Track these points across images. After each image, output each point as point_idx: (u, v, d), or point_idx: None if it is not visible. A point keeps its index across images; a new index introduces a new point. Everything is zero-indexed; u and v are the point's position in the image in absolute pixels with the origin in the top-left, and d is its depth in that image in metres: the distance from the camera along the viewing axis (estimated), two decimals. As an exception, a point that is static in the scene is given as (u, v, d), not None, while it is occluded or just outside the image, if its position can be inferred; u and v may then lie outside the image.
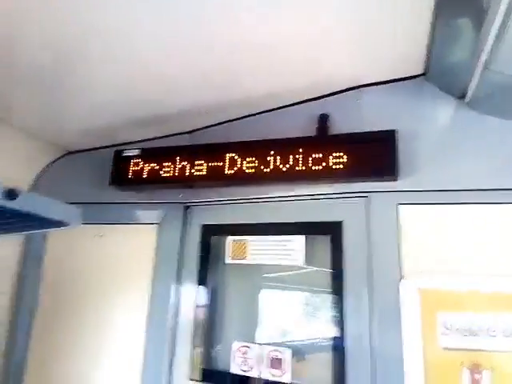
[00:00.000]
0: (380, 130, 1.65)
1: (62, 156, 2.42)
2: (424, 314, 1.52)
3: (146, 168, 2.00)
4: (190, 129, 2.17)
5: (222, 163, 1.87)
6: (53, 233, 2.10)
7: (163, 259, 2.05)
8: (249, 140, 1.87)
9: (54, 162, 2.40)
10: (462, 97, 1.62)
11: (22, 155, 2.28)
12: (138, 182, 2.02)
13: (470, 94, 1.55)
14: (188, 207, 2.10)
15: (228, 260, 1.93)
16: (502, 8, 1.10)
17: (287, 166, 1.75)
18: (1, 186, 1.15)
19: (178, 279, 1.99)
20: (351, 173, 1.67)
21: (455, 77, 1.56)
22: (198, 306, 1.95)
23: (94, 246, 2.21)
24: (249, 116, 2.03)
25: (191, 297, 1.96)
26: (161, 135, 2.23)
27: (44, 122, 2.12)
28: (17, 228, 1.60)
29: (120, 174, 2.03)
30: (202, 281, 1.97)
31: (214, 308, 1.98)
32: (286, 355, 1.72)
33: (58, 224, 1.65)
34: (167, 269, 2.02)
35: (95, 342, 2.06)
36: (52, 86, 1.75)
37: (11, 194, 1.20)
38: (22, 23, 1.35)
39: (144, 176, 1.99)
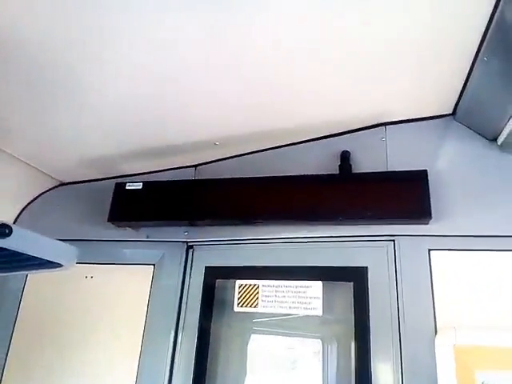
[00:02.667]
0: (408, 170, 1.56)
1: (55, 187, 2.22)
2: (461, 374, 1.36)
3: (149, 203, 1.83)
4: (197, 162, 2.04)
5: (233, 200, 1.73)
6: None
7: (159, 304, 1.83)
8: (263, 176, 1.75)
9: (44, 193, 2.20)
10: (493, 139, 1.56)
11: (10, 184, 2.08)
12: (138, 218, 1.85)
13: (503, 136, 1.49)
14: (191, 246, 1.92)
15: (236, 308, 1.73)
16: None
17: (307, 205, 1.62)
18: (-8, 221, 0.99)
19: (176, 327, 1.77)
20: (376, 214, 1.55)
21: (488, 118, 1.51)
22: (197, 358, 1.71)
23: (82, 288, 1.98)
24: (262, 151, 1.92)
25: (190, 348, 1.72)
26: (164, 168, 2.08)
27: (39, 148, 1.94)
28: (3, 268, 1.39)
29: (120, 209, 1.85)
30: (203, 329, 1.75)
31: (216, 361, 1.76)
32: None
33: (51, 265, 1.45)
34: (163, 314, 1.80)
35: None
36: (51, 109, 1.60)
37: (3, 231, 1.03)
38: (21, 39, 1.22)
39: (146, 211, 1.82)
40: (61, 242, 1.45)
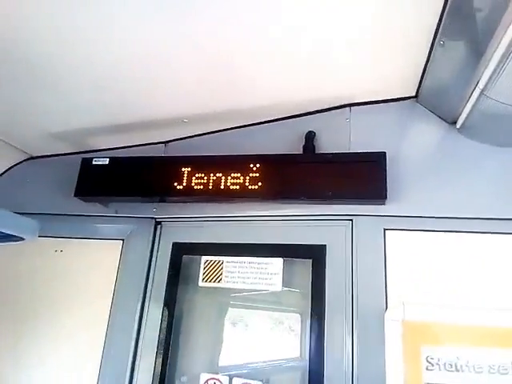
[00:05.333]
0: (368, 151, 1.59)
1: (24, 161, 2.21)
2: (408, 348, 1.43)
3: (116, 179, 1.84)
4: (166, 139, 2.04)
5: (200, 177, 1.75)
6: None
7: (127, 278, 1.88)
8: (232, 154, 1.76)
9: (13, 166, 2.19)
10: (453, 122, 1.58)
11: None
12: (105, 194, 1.86)
13: (461, 120, 1.52)
14: (159, 223, 1.94)
15: (201, 283, 1.77)
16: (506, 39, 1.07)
17: (270, 183, 1.65)
18: None
19: (143, 301, 1.82)
20: (336, 194, 1.59)
21: (448, 101, 1.53)
22: (162, 331, 1.77)
23: (53, 261, 2.01)
24: (231, 129, 1.93)
25: (156, 320, 1.78)
26: (133, 144, 2.08)
27: (8, 122, 1.92)
28: (-39, 241, 1.41)
29: (86, 184, 1.85)
30: (169, 303, 1.81)
31: (179, 333, 1.82)
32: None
33: (11, 238, 1.47)
34: (131, 288, 1.84)
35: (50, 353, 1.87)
36: (20, 84, 1.58)
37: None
38: None
39: (113, 187, 1.83)
40: (21, 215, 1.46)
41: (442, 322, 1.43)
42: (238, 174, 1.70)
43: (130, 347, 1.75)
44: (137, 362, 1.74)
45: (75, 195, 1.85)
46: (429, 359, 1.40)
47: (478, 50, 1.25)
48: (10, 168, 2.19)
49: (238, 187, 1.69)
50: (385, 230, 1.57)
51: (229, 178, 1.71)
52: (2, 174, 2.18)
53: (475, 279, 1.47)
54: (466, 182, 1.55)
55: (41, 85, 1.60)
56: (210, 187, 1.72)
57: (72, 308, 1.91)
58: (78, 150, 2.13)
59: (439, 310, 1.45)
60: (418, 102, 1.67)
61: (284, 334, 1.80)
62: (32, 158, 2.23)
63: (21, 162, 2.21)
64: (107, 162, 1.86)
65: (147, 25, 1.28)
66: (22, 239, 1.47)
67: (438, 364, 1.39)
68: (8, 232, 1.38)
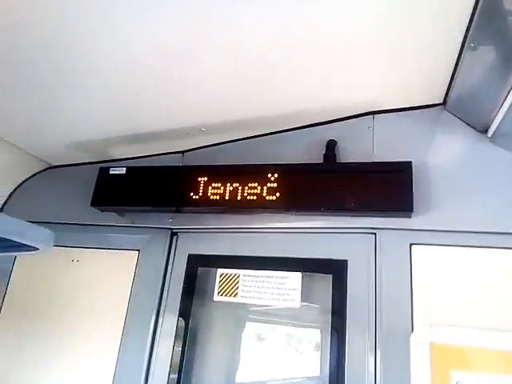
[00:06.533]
0: (393, 161, 1.51)
1: (43, 170, 2.23)
2: (436, 372, 1.32)
3: (133, 188, 1.82)
4: (184, 148, 2.01)
5: (217, 187, 1.71)
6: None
7: (142, 289, 1.84)
8: (248, 163, 1.71)
9: (33, 175, 2.21)
10: (484, 130, 1.49)
11: (0, 167, 2.09)
12: (122, 204, 1.83)
13: (493, 128, 1.42)
14: (175, 233, 1.91)
15: (217, 297, 1.72)
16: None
17: (288, 194, 1.59)
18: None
19: (158, 312, 1.78)
20: (359, 206, 1.51)
21: (479, 109, 1.44)
22: (177, 344, 1.72)
23: (69, 271, 2.00)
24: (249, 138, 1.88)
25: (170, 333, 1.73)
26: (151, 153, 2.06)
27: (28, 131, 1.95)
28: (-24, 250, 1.39)
29: (103, 194, 1.84)
30: (184, 316, 1.75)
31: (194, 347, 1.76)
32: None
33: (26, 248, 1.45)
34: (146, 299, 1.81)
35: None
36: (40, 93, 1.59)
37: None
38: (15, 24, 1.21)
39: (130, 197, 1.81)
40: (35, 225, 1.44)
41: (473, 345, 1.32)
42: (256, 184, 1.65)
43: (143, 360, 1.71)
44: (150, 374, 1.69)
45: (92, 205, 1.84)
46: (459, 384, 1.30)
47: (509, 56, 1.17)
48: (30, 177, 2.21)
49: (255, 198, 1.64)
50: (411, 244, 1.47)
51: (246, 188, 1.66)
52: (23, 182, 2.20)
53: (509, 299, 1.35)
54: (499, 194, 1.44)
55: (60, 95, 1.60)
56: (227, 198, 1.68)
57: (87, 317, 1.89)
58: (96, 160, 2.13)
59: (470, 333, 1.34)
60: (445, 109, 1.58)
61: (303, 351, 1.73)
62: (51, 167, 2.24)
63: (40, 172, 2.22)
64: (124, 172, 1.84)
65: (167, 37, 1.27)
66: (37, 249, 1.45)
67: (469, 390, 1.29)
68: (22, 241, 1.36)
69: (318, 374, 1.63)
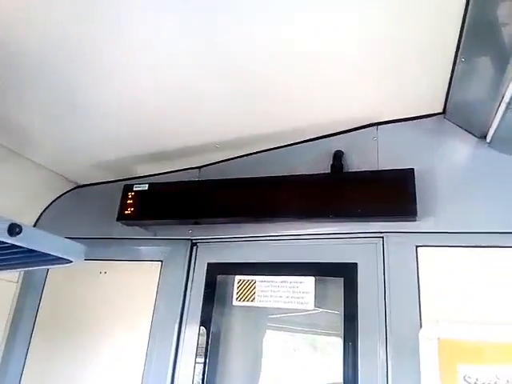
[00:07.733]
0: (397, 168, 1.60)
1: (71, 189, 2.39)
2: (444, 367, 1.39)
3: (155, 203, 1.95)
4: (200, 164, 2.14)
5: (232, 199, 1.82)
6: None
7: (166, 297, 1.96)
8: (260, 176, 1.83)
9: (62, 195, 2.37)
10: (483, 136, 1.57)
11: (30, 188, 2.26)
12: (145, 218, 1.97)
13: (491, 133, 1.50)
14: (195, 244, 2.03)
15: (235, 302, 1.82)
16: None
17: (299, 203, 1.69)
18: (4, 221, 1.11)
19: (180, 320, 1.89)
20: (365, 212, 1.60)
21: (476, 116, 1.52)
22: (199, 350, 1.82)
23: (98, 282, 2.14)
24: (260, 152, 2.00)
25: (193, 340, 1.84)
26: (170, 170, 2.20)
27: (56, 153, 2.10)
28: (18, 264, 1.54)
29: (128, 209, 1.98)
30: (205, 322, 1.86)
31: (217, 353, 1.86)
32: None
33: (61, 261, 1.59)
34: (169, 307, 1.93)
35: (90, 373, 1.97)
36: (66, 116, 1.73)
37: (14, 230, 1.15)
38: (39, 47, 1.33)
39: (152, 211, 1.94)
40: (68, 239, 1.58)
41: (480, 339, 1.38)
42: (268, 195, 1.76)
43: (169, 364, 1.81)
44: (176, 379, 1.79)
45: (117, 220, 1.98)
46: (466, 378, 1.36)
47: (501, 65, 1.25)
48: (59, 196, 2.37)
49: (268, 208, 1.75)
50: (417, 246, 1.56)
51: (259, 199, 1.77)
52: (53, 202, 2.36)
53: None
54: (499, 196, 1.52)
55: (89, 117, 1.74)
56: (242, 209, 1.79)
57: (115, 328, 2.01)
58: (119, 178, 2.27)
59: (476, 327, 1.40)
60: (445, 117, 1.67)
61: (323, 357, 1.80)
62: (78, 186, 2.40)
63: (68, 191, 2.39)
64: (146, 188, 1.98)
65: (178, 59, 1.39)
66: (70, 261, 1.58)
67: (475, 383, 1.34)
68: (58, 255, 1.49)
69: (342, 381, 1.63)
